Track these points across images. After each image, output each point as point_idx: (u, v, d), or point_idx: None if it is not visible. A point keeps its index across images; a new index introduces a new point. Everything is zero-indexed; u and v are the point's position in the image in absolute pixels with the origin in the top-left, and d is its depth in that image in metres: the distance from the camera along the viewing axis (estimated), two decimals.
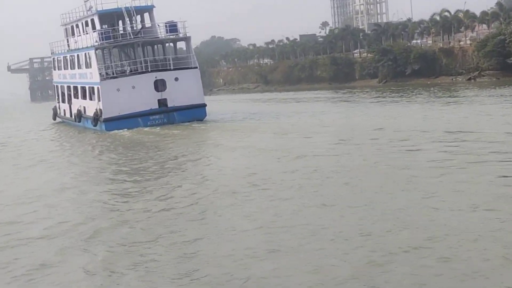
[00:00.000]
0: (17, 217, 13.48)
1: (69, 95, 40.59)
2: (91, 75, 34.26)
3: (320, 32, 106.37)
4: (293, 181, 14.88)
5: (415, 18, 72.29)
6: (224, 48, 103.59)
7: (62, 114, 43.18)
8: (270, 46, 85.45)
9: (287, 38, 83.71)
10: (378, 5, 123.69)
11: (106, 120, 32.36)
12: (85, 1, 40.31)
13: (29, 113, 63.02)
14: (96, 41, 33.75)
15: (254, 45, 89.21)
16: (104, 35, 33.40)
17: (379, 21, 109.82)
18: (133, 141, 27.74)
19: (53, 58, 45.75)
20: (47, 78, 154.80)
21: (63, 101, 42.66)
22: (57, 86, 44.90)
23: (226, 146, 22.90)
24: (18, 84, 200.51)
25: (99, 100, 32.98)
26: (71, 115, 40.17)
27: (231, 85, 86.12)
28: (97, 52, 33.63)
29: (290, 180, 15.04)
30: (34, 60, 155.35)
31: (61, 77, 42.92)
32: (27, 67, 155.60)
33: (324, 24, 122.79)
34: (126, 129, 31.79)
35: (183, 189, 15.21)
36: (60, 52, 43.63)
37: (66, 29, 42.29)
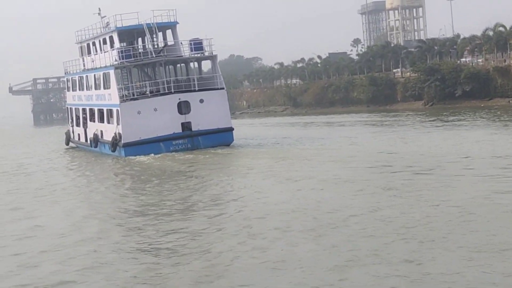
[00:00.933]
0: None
1: (85, 118, 41.92)
2: (109, 97, 35.47)
3: (351, 50, 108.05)
4: (331, 212, 15.63)
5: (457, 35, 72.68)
6: (245, 67, 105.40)
7: (76, 138, 44.50)
8: (299, 65, 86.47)
9: (319, 57, 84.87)
10: (415, 20, 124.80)
11: (126, 145, 33.41)
12: (102, 17, 42.11)
13: (36, 138, 64.68)
14: (116, 60, 35.03)
15: (281, 64, 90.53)
16: (124, 54, 34.60)
17: (416, 38, 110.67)
18: (155, 168, 28.48)
19: (67, 78, 47.31)
20: (51, 100, 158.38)
21: (78, 125, 44.00)
22: (70, 108, 46.32)
23: (257, 174, 23.52)
24: (19, 106, 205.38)
25: (118, 124, 34.07)
26: (86, 140, 41.42)
27: (256, 108, 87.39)
28: (116, 71, 34.74)
29: (327, 210, 15.84)
30: (38, 81, 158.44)
31: (76, 98, 44.37)
32: (30, 88, 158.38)
33: (356, 41, 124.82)
34: (147, 155, 32.69)
35: (213, 225, 15.57)
36: (74, 71, 45.11)
37: (81, 47, 43.90)
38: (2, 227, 17.50)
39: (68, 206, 20.46)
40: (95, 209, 19.61)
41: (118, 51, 34.98)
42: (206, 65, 45.41)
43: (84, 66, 43.72)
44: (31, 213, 19.48)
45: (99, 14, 42.91)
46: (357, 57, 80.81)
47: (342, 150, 29.23)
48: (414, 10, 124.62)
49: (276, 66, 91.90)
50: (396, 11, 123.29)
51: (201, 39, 36.38)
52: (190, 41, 36.20)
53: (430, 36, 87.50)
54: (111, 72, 34.80)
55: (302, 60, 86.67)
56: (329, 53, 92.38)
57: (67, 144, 47.16)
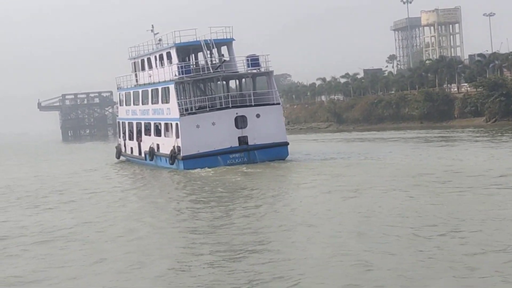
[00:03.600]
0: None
1: (139, 132, 45.47)
2: (168, 111, 38.91)
3: (386, 66, 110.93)
4: (405, 227, 17.10)
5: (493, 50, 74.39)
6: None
7: (129, 152, 48.06)
8: (343, 80, 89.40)
9: (366, 71, 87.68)
10: (451, 37, 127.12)
11: (185, 158, 36.65)
12: (155, 34, 45.94)
13: (78, 154, 68.46)
14: (175, 75, 38.48)
15: (323, 79, 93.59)
16: (184, 69, 38.06)
17: (453, 54, 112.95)
18: (216, 181, 31.08)
19: (120, 93, 50.98)
20: (80, 116, 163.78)
21: (131, 138, 47.59)
22: (123, 123, 50.02)
23: (317, 187, 25.94)
24: (46, 122, 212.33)
25: (177, 137, 37.37)
26: (140, 153, 44.90)
27: (297, 124, 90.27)
28: (176, 86, 38.15)
29: (398, 225, 17.36)
30: (67, 96, 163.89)
31: (130, 113, 48.04)
32: (58, 104, 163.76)
33: (391, 57, 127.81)
34: (205, 168, 35.83)
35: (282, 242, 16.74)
36: (128, 87, 48.88)
37: (134, 63, 47.71)
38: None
39: (148, 219, 21.97)
40: (175, 216, 22.20)
41: (178, 67, 38.44)
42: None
43: (137, 81, 47.51)
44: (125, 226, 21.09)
45: (151, 31, 46.83)
46: (392, 73, 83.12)
47: (410, 166, 31.14)
48: (451, 26, 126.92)
49: (318, 82, 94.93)
50: (432, 27, 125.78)
51: (258, 56, 39.72)
52: (247, 57, 39.56)
53: (469, 53, 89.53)
54: (171, 86, 38.25)
55: (347, 75, 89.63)
56: (364, 70, 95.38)
57: (118, 157, 50.81)
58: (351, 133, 68.56)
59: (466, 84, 71.21)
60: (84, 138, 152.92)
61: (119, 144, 51.31)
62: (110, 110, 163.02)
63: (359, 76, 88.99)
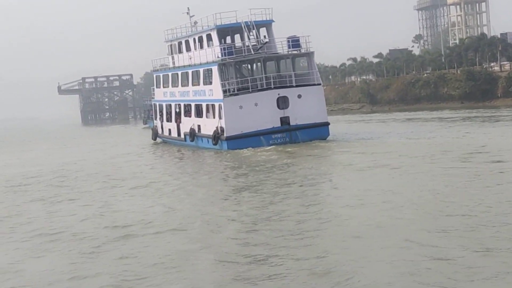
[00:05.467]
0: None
1: (177, 114, 47.83)
2: (210, 92, 41.16)
3: (412, 46, 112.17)
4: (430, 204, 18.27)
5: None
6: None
7: (167, 133, 50.50)
8: (376, 60, 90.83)
9: (401, 50, 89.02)
10: (477, 15, 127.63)
11: (229, 139, 38.94)
12: (190, 16, 48.17)
13: (107, 138, 70.76)
14: (218, 57, 40.65)
15: (354, 59, 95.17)
16: (226, 50, 40.21)
17: (479, 33, 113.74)
18: (261, 160, 33.14)
19: (156, 76, 53.31)
20: (100, 100, 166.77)
21: (168, 120, 50.00)
22: (160, 104, 52.42)
23: (358, 166, 27.58)
24: (64, 106, 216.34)
25: (220, 118, 39.63)
26: (179, 134, 47.30)
27: (327, 106, 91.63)
28: (219, 67, 40.32)
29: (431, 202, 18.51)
30: (87, 80, 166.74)
31: (167, 95, 50.41)
32: (77, 87, 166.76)
33: (418, 37, 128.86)
34: (248, 148, 38.06)
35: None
36: (164, 69, 51.20)
37: (171, 45, 49.97)
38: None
39: (205, 197, 23.96)
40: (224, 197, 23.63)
41: (221, 48, 40.62)
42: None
43: (173, 64, 49.81)
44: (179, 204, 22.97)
45: (187, 13, 49.05)
46: (428, 52, 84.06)
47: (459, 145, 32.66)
48: (477, 4, 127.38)
49: (349, 62, 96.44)
50: (458, 6, 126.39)
51: (298, 37, 41.76)
52: (288, 38, 41.63)
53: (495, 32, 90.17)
54: (214, 68, 40.45)
55: (379, 55, 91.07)
56: (390, 50, 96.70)
57: (155, 139, 53.34)
58: (388, 113, 69.93)
59: (507, 62, 71.86)
60: (104, 121, 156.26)
61: (155, 126, 53.71)
62: (130, 93, 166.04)
63: (389, 57, 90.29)
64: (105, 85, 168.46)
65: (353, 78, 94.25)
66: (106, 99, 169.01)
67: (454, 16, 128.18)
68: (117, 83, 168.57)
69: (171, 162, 38.85)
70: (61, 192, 27.61)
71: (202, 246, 15.96)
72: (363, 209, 18.90)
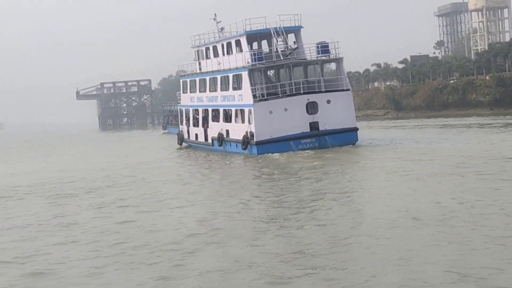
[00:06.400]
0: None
1: (204, 119, 48.95)
2: (240, 97, 42.23)
3: (434, 52, 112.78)
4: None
5: None
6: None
7: (193, 138, 51.66)
8: (400, 66, 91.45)
9: (427, 56, 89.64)
10: (499, 22, 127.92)
11: (258, 143, 39.96)
12: (217, 22, 49.37)
13: (131, 143, 72.03)
14: (248, 62, 41.72)
15: (378, 65, 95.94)
16: (256, 56, 41.28)
17: (501, 40, 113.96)
18: (291, 165, 33.99)
19: (183, 81, 54.50)
20: (118, 105, 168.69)
21: (195, 125, 51.12)
22: (186, 109, 53.62)
23: (391, 171, 28.27)
24: (82, 111, 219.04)
25: (250, 123, 40.65)
26: (206, 139, 48.38)
27: None
28: (249, 73, 41.42)
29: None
30: (105, 85, 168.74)
31: (194, 100, 51.58)
32: (95, 92, 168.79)
33: (439, 43, 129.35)
34: (277, 153, 39.00)
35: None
36: (191, 74, 52.37)
37: (198, 51, 51.20)
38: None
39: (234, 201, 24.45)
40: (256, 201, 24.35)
41: (251, 54, 41.70)
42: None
43: (200, 69, 50.98)
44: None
45: (214, 19, 50.26)
46: (456, 58, 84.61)
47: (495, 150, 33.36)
48: (499, 11, 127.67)
49: (373, 68, 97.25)
50: (480, 12, 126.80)
51: (328, 43, 42.75)
52: (317, 44, 42.64)
53: None
54: (244, 73, 41.55)
55: (405, 60, 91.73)
56: (411, 56, 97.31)
57: (180, 144, 54.49)
58: (416, 120, 70.53)
59: None
60: (122, 127, 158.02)
61: (181, 131, 54.85)
62: (149, 99, 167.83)
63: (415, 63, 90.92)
64: (123, 90, 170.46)
65: (376, 84, 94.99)
66: (124, 105, 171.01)
67: (476, 22, 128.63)
68: (135, 89, 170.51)
69: (208, 167, 38.62)
70: (119, 198, 26.81)
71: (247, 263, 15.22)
72: (403, 218, 18.57)
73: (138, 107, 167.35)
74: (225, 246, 16.83)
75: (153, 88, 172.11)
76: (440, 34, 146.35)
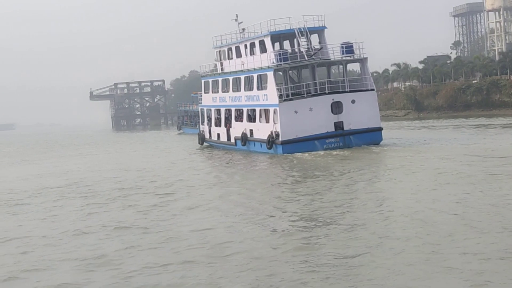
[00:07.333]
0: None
1: (227, 118, 49.88)
2: (265, 97, 43.14)
3: (451, 52, 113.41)
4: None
5: None
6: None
7: (215, 138, 52.65)
8: (421, 66, 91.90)
9: (447, 56, 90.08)
10: None
11: (284, 143, 40.85)
12: (239, 23, 50.28)
13: (151, 143, 72.98)
14: (273, 62, 42.60)
15: (397, 64, 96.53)
16: (282, 56, 42.15)
17: None
18: (318, 164, 34.85)
19: (204, 81, 55.44)
20: (131, 105, 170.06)
21: (217, 125, 52.07)
22: (208, 109, 54.61)
23: (418, 171, 28.85)
24: (96, 112, 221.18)
25: (275, 122, 41.52)
26: (229, 139, 49.30)
27: None
28: (275, 73, 42.34)
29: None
30: (119, 85, 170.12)
31: (216, 100, 52.53)
32: (108, 93, 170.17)
33: (456, 43, 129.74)
34: (302, 152, 39.86)
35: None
36: (213, 74, 53.32)
37: (220, 51, 52.14)
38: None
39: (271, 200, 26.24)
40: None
41: (276, 54, 42.58)
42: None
43: (222, 70, 51.90)
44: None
45: (236, 20, 51.19)
46: (479, 58, 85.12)
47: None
48: None
49: (392, 68, 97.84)
50: (497, 13, 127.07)
51: (352, 43, 43.58)
52: (341, 44, 43.50)
53: None
54: (269, 73, 42.47)
55: (426, 60, 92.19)
56: (428, 56, 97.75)
57: (201, 143, 55.49)
58: (438, 120, 70.91)
59: None
60: (135, 127, 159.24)
61: (202, 131, 55.80)
62: (162, 99, 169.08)
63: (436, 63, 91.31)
64: (137, 90, 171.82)
65: (395, 84, 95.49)
66: (138, 105, 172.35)
67: (493, 22, 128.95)
68: (148, 89, 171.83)
69: (234, 167, 39.10)
70: (166, 199, 26.80)
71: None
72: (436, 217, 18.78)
73: (152, 107, 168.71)
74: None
75: (166, 89, 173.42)
76: (455, 35, 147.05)
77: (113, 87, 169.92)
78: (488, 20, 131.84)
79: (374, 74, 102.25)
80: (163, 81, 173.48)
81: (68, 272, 16.07)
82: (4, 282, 15.71)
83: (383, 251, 15.64)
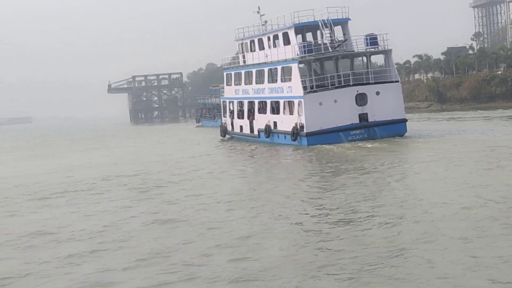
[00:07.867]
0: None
1: (250, 111, 50.38)
2: (289, 89, 43.58)
3: (471, 44, 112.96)
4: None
5: None
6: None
7: (237, 130, 53.28)
8: (443, 57, 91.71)
9: (470, 47, 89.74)
10: None
11: (309, 135, 41.30)
12: (261, 15, 50.74)
13: (174, 136, 73.55)
14: (297, 54, 42.99)
15: (419, 56, 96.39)
16: (306, 48, 42.53)
17: None
18: (345, 156, 35.18)
19: (227, 74, 55.96)
20: (149, 98, 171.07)
21: (240, 117, 52.63)
22: (230, 102, 55.18)
23: (445, 162, 28.93)
24: (113, 105, 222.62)
25: (299, 114, 41.94)
26: (252, 131, 49.82)
27: None
28: (299, 65, 42.73)
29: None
30: (137, 78, 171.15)
31: (239, 92, 53.07)
32: (126, 85, 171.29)
33: (477, 35, 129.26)
34: (327, 144, 40.25)
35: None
36: (235, 67, 53.81)
37: (242, 44, 52.62)
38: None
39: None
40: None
41: (300, 46, 42.97)
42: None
43: (244, 62, 52.37)
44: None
45: (258, 12, 51.65)
46: (504, 48, 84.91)
47: None
48: None
49: (414, 59, 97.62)
50: None
51: (376, 34, 43.86)
52: (365, 36, 43.81)
53: None
54: (294, 65, 42.92)
55: (448, 51, 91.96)
56: (448, 48, 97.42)
57: (223, 136, 56.11)
58: (462, 112, 70.60)
59: None
60: (153, 120, 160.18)
61: (224, 123, 56.39)
62: (180, 92, 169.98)
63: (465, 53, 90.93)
64: (155, 83, 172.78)
65: (416, 75, 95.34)
66: (155, 98, 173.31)
67: None
68: (166, 82, 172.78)
69: (262, 159, 39.35)
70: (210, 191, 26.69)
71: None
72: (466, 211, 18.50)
73: (170, 100, 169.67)
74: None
75: (183, 82, 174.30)
76: (475, 26, 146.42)
77: (131, 80, 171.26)
78: (509, 11, 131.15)
79: (395, 65, 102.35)
80: (181, 73, 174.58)
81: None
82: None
83: (432, 247, 15.11)
